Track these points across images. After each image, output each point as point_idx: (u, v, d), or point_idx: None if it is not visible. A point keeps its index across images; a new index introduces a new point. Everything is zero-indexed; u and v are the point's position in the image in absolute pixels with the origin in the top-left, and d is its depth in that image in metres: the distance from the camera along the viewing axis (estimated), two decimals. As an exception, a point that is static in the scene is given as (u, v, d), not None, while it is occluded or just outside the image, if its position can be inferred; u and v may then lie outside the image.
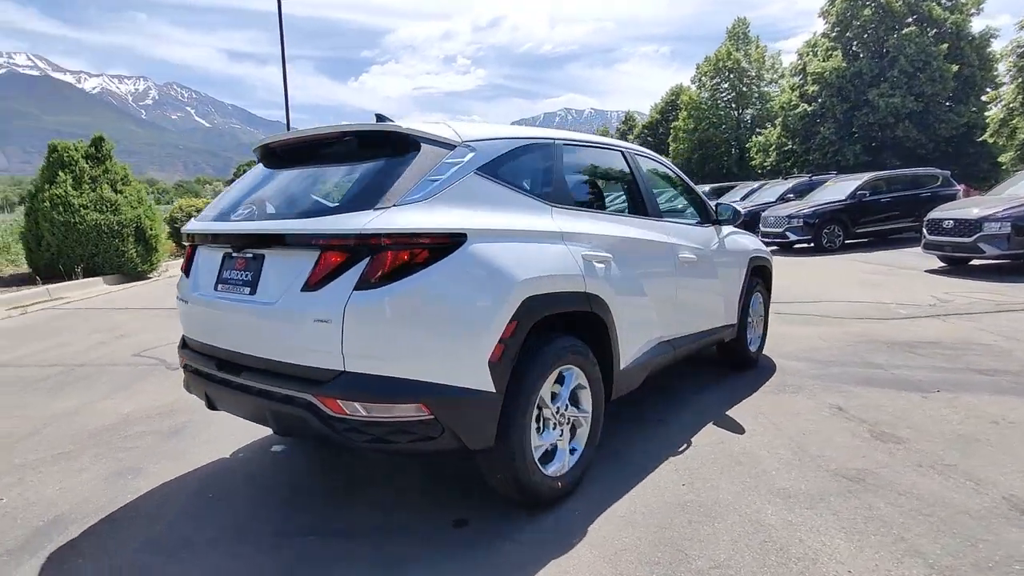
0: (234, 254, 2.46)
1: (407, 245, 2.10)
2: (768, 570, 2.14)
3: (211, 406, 2.60)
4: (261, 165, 2.86)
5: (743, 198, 18.29)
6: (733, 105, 40.63)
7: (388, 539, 2.40)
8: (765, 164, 36.13)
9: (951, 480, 2.76)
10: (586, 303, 2.69)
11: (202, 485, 2.90)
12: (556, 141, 2.98)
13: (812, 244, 13.32)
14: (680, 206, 4.12)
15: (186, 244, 2.82)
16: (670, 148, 41.05)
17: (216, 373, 2.47)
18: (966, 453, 3.05)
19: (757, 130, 38.44)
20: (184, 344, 2.80)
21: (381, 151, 2.40)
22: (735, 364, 4.64)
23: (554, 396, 2.62)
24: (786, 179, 19.47)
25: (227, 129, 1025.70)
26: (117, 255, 9.92)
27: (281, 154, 2.77)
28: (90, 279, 9.70)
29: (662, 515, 2.52)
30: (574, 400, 2.76)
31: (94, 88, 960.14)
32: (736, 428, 3.47)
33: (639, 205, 3.48)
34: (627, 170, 3.49)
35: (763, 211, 14.92)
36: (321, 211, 2.27)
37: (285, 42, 18.81)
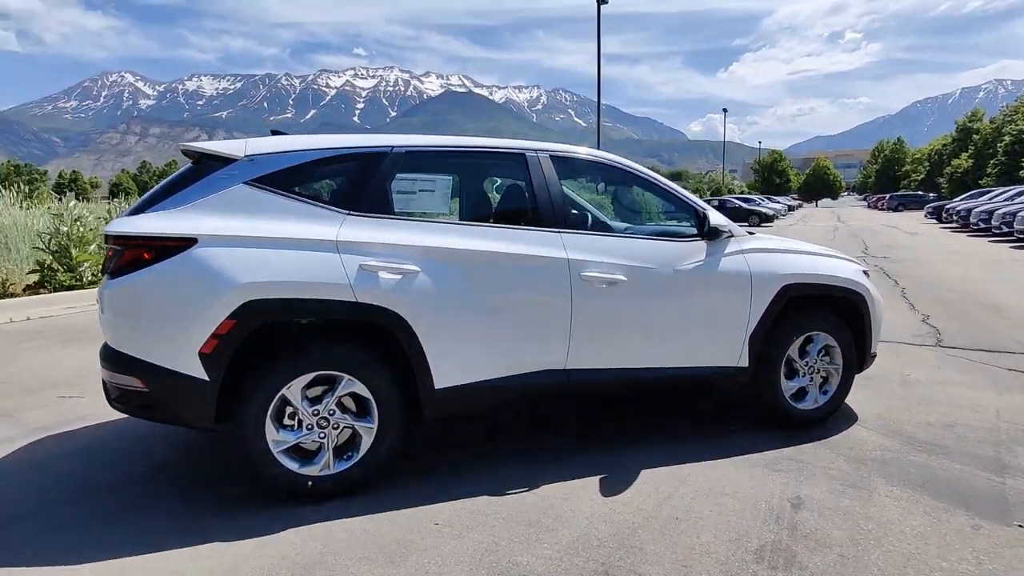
0: None
1: (137, 246, 2.53)
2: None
3: None
4: None
5: None
6: None
7: (154, 488, 2.89)
8: None
9: (728, 634, 1.87)
10: (356, 313, 2.67)
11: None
12: (394, 150, 2.94)
13: None
14: (636, 217, 3.43)
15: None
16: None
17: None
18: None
19: None
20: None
21: (190, 165, 2.85)
22: (768, 418, 3.62)
23: (317, 399, 2.71)
24: None
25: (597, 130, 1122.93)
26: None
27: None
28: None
29: (346, 544, 2.39)
30: (362, 408, 2.78)
31: (501, 98, 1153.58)
32: (614, 490, 2.85)
33: (528, 215, 3.10)
34: (522, 177, 3.14)
35: None
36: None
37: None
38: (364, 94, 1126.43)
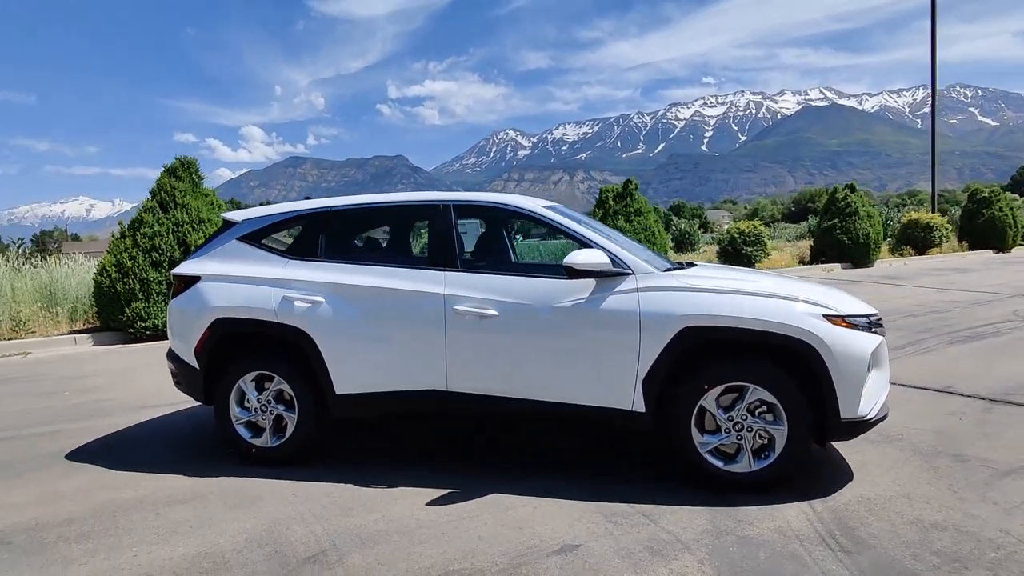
0: None
1: (178, 280, 4.02)
2: (158, 533, 2.94)
3: None
4: None
5: None
6: None
7: (197, 438, 4.30)
8: None
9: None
10: (278, 330, 3.66)
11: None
12: (331, 209, 3.86)
13: None
14: (530, 258, 3.54)
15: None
16: None
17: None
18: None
19: None
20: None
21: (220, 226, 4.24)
22: (683, 470, 3.31)
23: (263, 390, 3.77)
24: None
25: (1018, 125, 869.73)
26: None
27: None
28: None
29: (225, 491, 3.34)
30: (292, 402, 3.75)
31: (873, 107, 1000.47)
32: (438, 503, 3.17)
33: (426, 255, 3.62)
34: (427, 224, 3.67)
35: None
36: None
37: None
38: (713, 122, 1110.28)
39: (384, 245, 4.10)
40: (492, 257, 4.11)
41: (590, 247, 3.38)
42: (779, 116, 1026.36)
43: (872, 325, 3.24)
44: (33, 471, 3.82)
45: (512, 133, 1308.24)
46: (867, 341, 3.12)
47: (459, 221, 3.68)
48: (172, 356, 4.03)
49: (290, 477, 3.55)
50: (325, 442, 3.89)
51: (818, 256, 17.38)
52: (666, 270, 3.46)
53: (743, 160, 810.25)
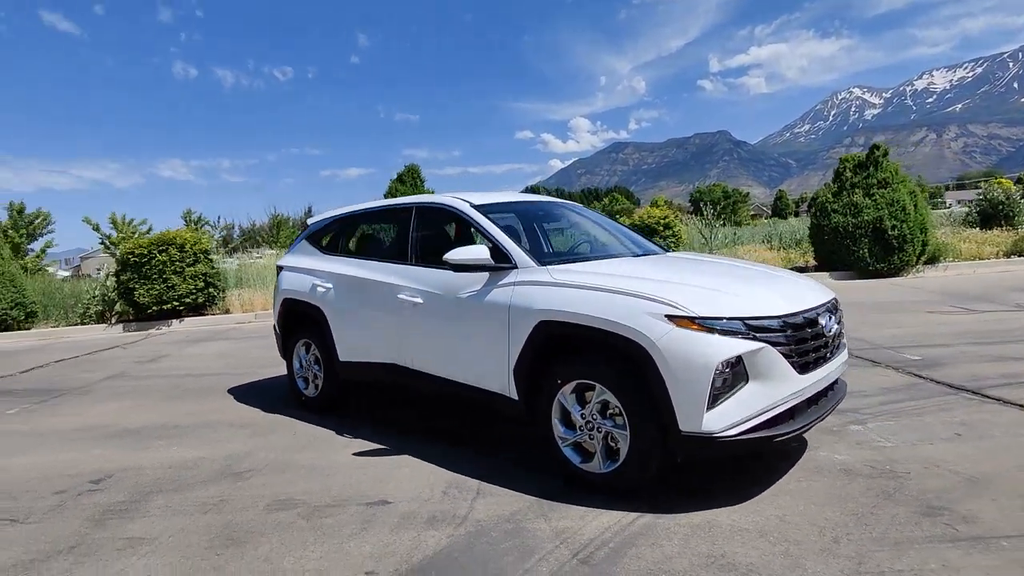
0: None
1: (277, 269, 5.45)
2: (201, 443, 4.35)
3: None
4: None
5: None
6: None
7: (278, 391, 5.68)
8: None
9: None
10: (309, 309, 4.77)
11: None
12: (354, 213, 4.79)
13: None
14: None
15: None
16: None
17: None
18: None
19: None
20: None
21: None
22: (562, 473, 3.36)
23: (308, 353, 4.96)
24: None
25: None
26: (848, 253, 10.94)
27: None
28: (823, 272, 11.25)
29: (268, 424, 4.57)
30: (320, 364, 4.86)
31: None
32: (362, 454, 3.85)
33: (399, 252, 4.24)
34: (402, 225, 4.29)
35: None
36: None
37: None
38: None
39: (378, 242, 4.91)
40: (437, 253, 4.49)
41: (494, 244, 3.61)
42: None
43: (753, 330, 2.77)
44: (200, 397, 5.73)
45: (857, 91, 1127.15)
46: (724, 347, 2.71)
47: (426, 220, 4.25)
48: (273, 326, 5.54)
49: (309, 420, 4.65)
50: (342, 397, 4.89)
51: None
52: (561, 262, 3.49)
53: None
